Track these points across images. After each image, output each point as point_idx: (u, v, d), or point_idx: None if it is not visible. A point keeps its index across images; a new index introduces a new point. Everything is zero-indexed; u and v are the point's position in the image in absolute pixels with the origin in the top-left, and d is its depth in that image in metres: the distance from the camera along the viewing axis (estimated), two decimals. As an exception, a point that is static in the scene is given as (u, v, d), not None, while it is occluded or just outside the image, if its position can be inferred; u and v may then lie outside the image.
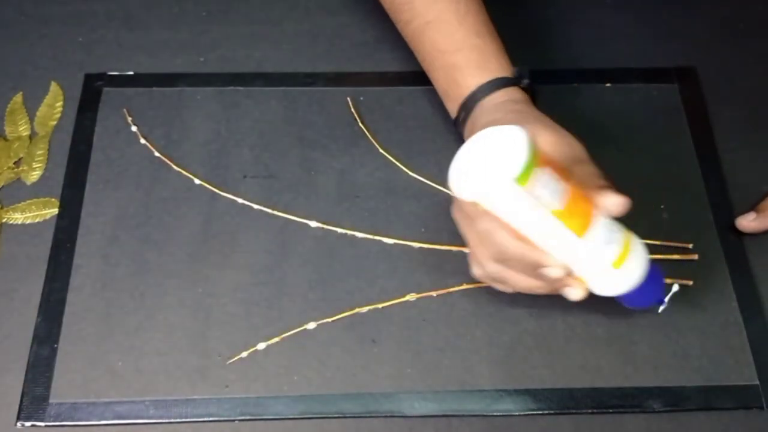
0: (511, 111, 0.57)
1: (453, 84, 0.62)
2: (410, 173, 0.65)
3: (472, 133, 0.59)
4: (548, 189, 0.47)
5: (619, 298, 0.53)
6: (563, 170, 0.49)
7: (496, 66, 0.61)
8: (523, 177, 0.45)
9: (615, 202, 0.50)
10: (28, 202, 0.64)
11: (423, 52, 0.64)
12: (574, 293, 0.52)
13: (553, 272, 0.50)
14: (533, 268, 0.51)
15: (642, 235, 0.61)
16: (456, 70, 0.61)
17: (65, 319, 0.58)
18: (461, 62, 0.61)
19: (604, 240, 0.50)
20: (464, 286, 0.59)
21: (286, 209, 0.63)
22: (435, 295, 0.59)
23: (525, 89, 0.61)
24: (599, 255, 0.50)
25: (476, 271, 0.55)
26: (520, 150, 0.45)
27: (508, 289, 0.55)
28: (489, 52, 0.61)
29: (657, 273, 0.54)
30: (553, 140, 0.53)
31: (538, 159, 0.46)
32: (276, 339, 0.57)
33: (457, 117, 0.61)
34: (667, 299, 0.56)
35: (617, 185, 0.64)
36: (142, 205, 0.63)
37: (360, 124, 0.68)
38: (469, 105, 0.60)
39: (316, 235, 0.62)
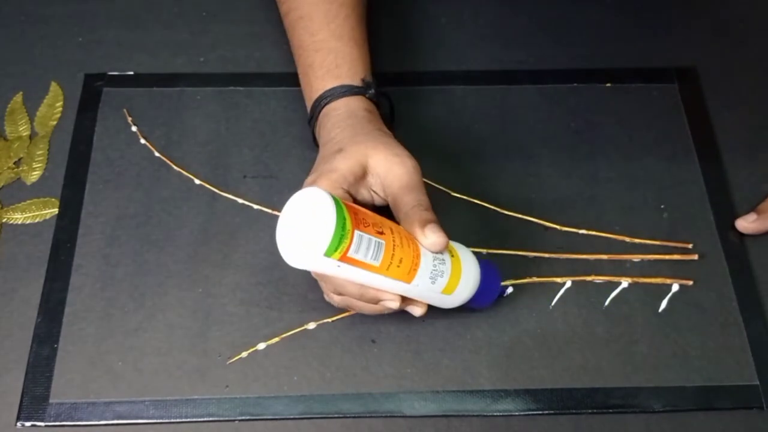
0: (348, 127, 0.56)
1: (307, 84, 0.62)
2: (410, 173, 0.65)
3: (320, 139, 0.59)
4: (363, 250, 0.46)
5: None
6: (379, 220, 0.48)
7: (347, 73, 0.60)
8: (333, 249, 0.44)
9: (433, 242, 0.49)
10: (28, 202, 0.64)
11: (292, 46, 0.64)
12: (417, 311, 0.53)
13: (391, 304, 0.51)
14: (372, 302, 0.51)
15: (642, 235, 0.62)
16: (311, 70, 0.61)
17: (65, 319, 0.58)
18: (316, 63, 0.61)
19: (432, 275, 0.50)
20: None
21: (286, 209, 0.63)
22: (435, 295, 0.59)
23: (373, 100, 0.60)
24: (429, 290, 0.51)
25: (326, 298, 0.55)
26: (328, 222, 0.44)
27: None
28: (344, 58, 0.60)
29: (490, 273, 0.55)
30: (386, 163, 0.53)
31: (348, 223, 0.45)
32: (276, 339, 0.57)
33: (310, 119, 0.61)
34: (508, 292, 0.58)
35: (617, 186, 0.65)
36: (142, 205, 0.63)
37: (360, 124, 0.68)
38: (316, 109, 0.60)
39: (316, 235, 0.62)
